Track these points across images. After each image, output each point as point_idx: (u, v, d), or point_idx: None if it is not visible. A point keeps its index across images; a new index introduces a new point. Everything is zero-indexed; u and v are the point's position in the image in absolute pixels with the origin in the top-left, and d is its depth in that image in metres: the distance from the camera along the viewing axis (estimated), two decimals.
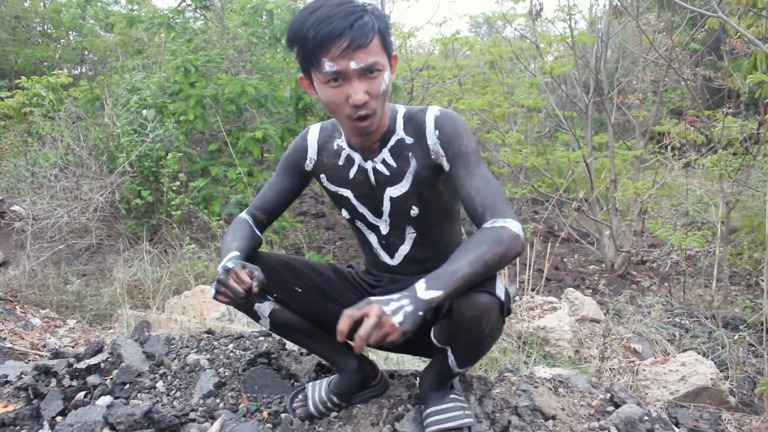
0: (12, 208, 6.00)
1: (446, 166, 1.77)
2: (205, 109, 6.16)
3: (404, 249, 1.95)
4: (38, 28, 13.87)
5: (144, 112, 5.99)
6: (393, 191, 1.86)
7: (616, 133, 7.73)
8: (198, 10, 7.52)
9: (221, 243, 1.90)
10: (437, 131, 1.78)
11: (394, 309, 1.45)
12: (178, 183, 5.57)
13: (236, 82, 6.04)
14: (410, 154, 1.82)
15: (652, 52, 7.11)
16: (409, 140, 1.82)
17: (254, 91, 6.02)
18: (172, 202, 5.49)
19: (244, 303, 1.70)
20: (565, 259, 7.27)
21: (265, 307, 1.92)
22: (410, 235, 1.92)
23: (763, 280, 4.85)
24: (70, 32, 13.32)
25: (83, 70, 14.12)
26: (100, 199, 5.61)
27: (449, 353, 1.82)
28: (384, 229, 1.94)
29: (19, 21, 12.73)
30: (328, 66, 1.62)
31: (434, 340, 1.84)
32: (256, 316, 1.96)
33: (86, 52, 13.24)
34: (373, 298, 1.50)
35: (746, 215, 6.28)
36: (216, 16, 7.52)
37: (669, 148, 6.90)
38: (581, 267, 7.00)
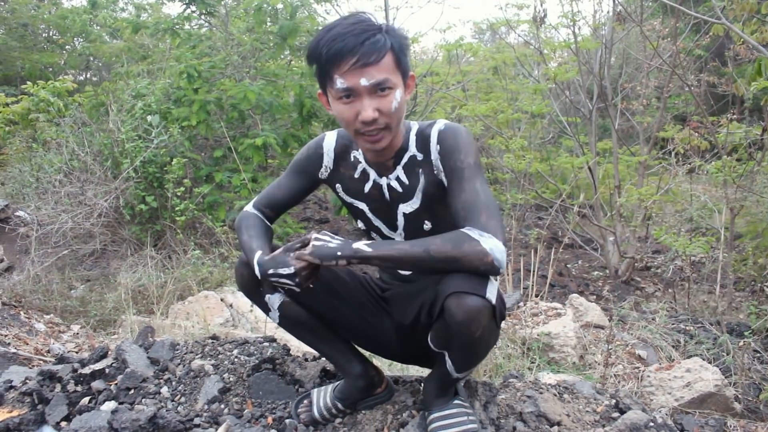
0: (17, 213, 6.02)
1: (445, 182, 1.79)
2: (209, 115, 6.17)
3: None
4: (44, 35, 13.93)
5: (149, 117, 6.01)
6: (405, 208, 1.88)
7: (620, 139, 7.74)
8: (203, 17, 7.55)
9: (241, 239, 1.92)
10: (438, 146, 1.79)
11: (322, 240, 1.68)
12: (182, 189, 5.58)
13: (239, 88, 6.05)
14: (420, 170, 1.84)
15: (656, 58, 7.11)
16: (419, 156, 1.84)
17: (255, 98, 6.03)
18: (177, 208, 5.50)
19: (254, 292, 1.93)
20: (569, 265, 7.26)
21: (275, 299, 1.94)
22: None
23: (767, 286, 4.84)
24: (76, 38, 13.38)
25: (88, 76, 14.18)
26: (105, 204, 5.62)
27: (447, 358, 1.82)
28: None
29: (26, 28, 12.79)
30: (339, 82, 1.66)
31: (431, 344, 1.84)
32: (266, 308, 1.97)
33: (92, 58, 13.28)
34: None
35: (750, 221, 6.27)
36: (220, 23, 7.54)
37: (673, 154, 6.89)
38: (585, 273, 6.99)
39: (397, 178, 1.87)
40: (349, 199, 1.97)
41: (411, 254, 1.62)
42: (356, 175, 1.93)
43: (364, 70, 1.64)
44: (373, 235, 1.99)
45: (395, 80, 1.69)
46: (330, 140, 1.97)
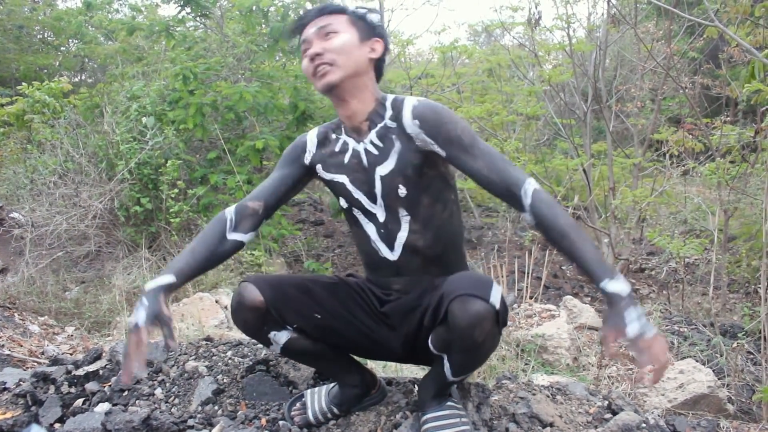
0: (11, 215, 6.01)
1: (441, 152, 1.82)
2: (204, 117, 6.17)
3: (402, 236, 1.89)
4: (38, 36, 13.90)
5: (143, 119, 6.00)
6: (381, 170, 1.88)
7: (614, 141, 7.76)
8: (197, 19, 7.54)
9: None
10: (417, 121, 1.83)
11: (642, 324, 1.52)
12: (177, 190, 5.57)
13: (235, 89, 6.05)
14: (394, 137, 1.88)
15: (650, 61, 7.13)
16: (391, 124, 1.89)
17: (252, 99, 6.03)
18: (171, 210, 5.50)
19: (257, 332, 1.92)
20: (563, 267, 7.27)
21: (282, 336, 1.91)
22: (404, 218, 1.88)
23: (761, 288, 4.85)
24: (71, 40, 13.35)
25: (83, 77, 14.15)
26: (99, 206, 5.61)
27: (445, 361, 1.81)
28: (381, 216, 1.90)
29: (21, 30, 12.77)
30: (299, 40, 1.91)
31: (431, 347, 1.83)
32: (267, 343, 1.94)
33: (86, 60, 13.26)
34: (613, 327, 1.54)
35: (744, 223, 6.30)
36: (215, 25, 7.54)
37: (667, 156, 6.92)
38: (580, 275, 6.99)
39: (372, 142, 1.91)
40: (329, 176, 1.97)
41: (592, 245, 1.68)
42: (336, 149, 1.97)
43: (314, 22, 1.87)
44: (355, 212, 1.95)
45: (342, 27, 1.87)
46: (312, 132, 2.06)
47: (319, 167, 1.99)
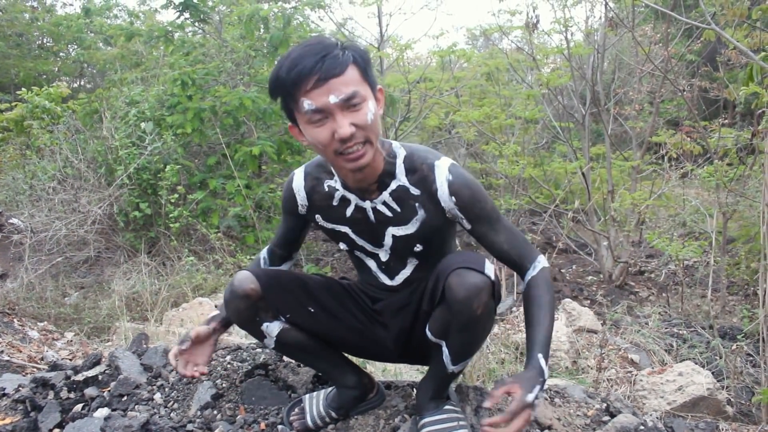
0: (10, 220, 6.02)
1: (467, 226, 1.82)
2: (203, 122, 6.18)
3: (405, 273, 1.94)
4: (37, 42, 13.94)
5: (142, 124, 6.02)
6: (397, 231, 1.85)
7: (613, 144, 7.76)
8: (196, 24, 7.56)
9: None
10: (454, 198, 1.77)
11: (536, 403, 1.60)
12: (176, 195, 5.58)
13: (234, 95, 6.06)
14: (417, 204, 1.81)
15: (648, 64, 7.14)
16: (414, 191, 1.80)
17: (251, 104, 6.05)
18: (171, 215, 5.50)
19: (250, 323, 1.92)
20: (563, 270, 7.27)
21: (274, 327, 1.92)
22: (412, 262, 1.92)
23: (760, 290, 4.85)
24: (70, 45, 13.40)
25: (82, 83, 14.19)
26: (99, 211, 5.62)
27: (444, 348, 1.83)
28: (384, 257, 1.92)
29: (21, 37, 12.81)
30: (307, 104, 1.59)
31: (429, 333, 1.85)
32: (261, 336, 1.95)
33: (85, 65, 13.30)
34: (518, 387, 1.60)
35: (743, 225, 6.30)
36: (214, 30, 7.56)
37: (666, 158, 6.91)
38: (579, 278, 7.00)
39: (384, 203, 1.83)
40: (330, 225, 1.92)
41: (552, 327, 1.76)
42: (335, 203, 1.88)
43: (329, 86, 1.58)
44: (357, 253, 1.96)
45: (364, 92, 1.63)
46: (298, 181, 1.93)
47: (318, 217, 1.93)
